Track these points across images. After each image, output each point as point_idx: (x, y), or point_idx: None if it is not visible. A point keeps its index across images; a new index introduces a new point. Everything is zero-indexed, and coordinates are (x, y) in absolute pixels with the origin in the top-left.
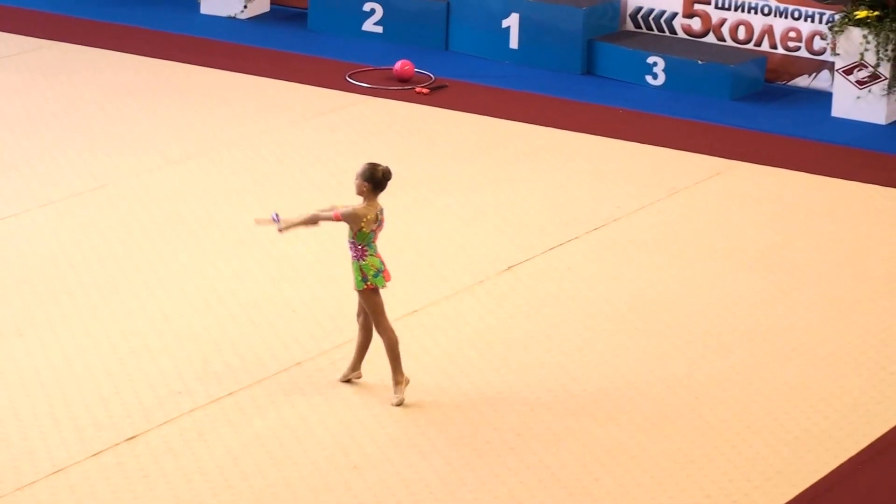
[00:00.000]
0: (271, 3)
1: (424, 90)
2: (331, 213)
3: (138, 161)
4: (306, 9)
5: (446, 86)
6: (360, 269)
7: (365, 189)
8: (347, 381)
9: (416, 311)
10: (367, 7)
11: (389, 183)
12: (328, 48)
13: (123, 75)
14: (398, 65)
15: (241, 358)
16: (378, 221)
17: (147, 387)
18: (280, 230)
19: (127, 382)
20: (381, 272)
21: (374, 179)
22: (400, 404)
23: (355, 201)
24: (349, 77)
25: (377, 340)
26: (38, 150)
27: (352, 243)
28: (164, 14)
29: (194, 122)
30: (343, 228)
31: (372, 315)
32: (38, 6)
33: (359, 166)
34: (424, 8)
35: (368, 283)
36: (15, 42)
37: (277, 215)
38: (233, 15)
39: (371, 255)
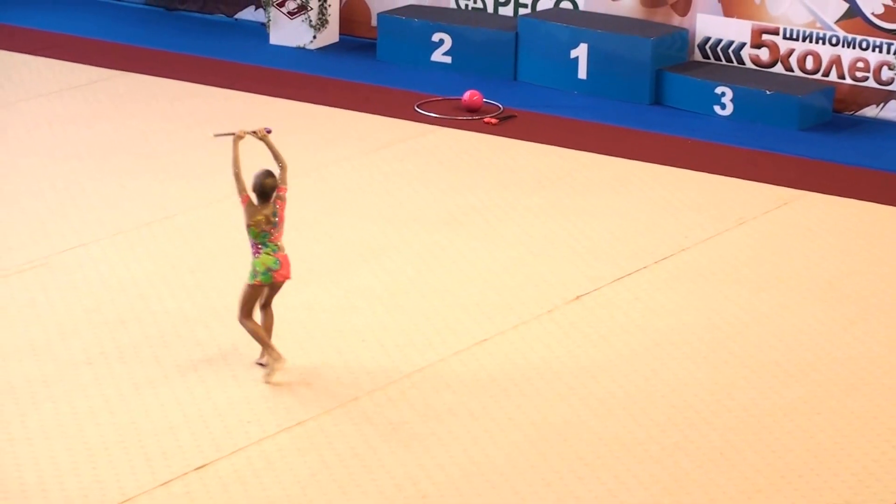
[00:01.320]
0: (340, 34)
1: (493, 120)
2: (241, 194)
3: (207, 191)
4: (375, 39)
5: (515, 116)
6: (252, 265)
7: (253, 196)
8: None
9: (484, 340)
10: (435, 37)
11: (274, 193)
12: (397, 78)
13: (193, 105)
14: (467, 95)
15: (310, 387)
16: (271, 223)
17: (216, 416)
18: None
19: (195, 412)
20: (272, 271)
21: (257, 191)
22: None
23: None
24: (418, 107)
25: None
26: (108, 179)
27: (250, 239)
28: (233, 44)
29: (262, 153)
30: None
31: (239, 304)
32: (110, 37)
33: (426, 196)
34: (493, 38)
35: (257, 279)
36: (86, 72)
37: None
38: (302, 45)
39: (266, 253)
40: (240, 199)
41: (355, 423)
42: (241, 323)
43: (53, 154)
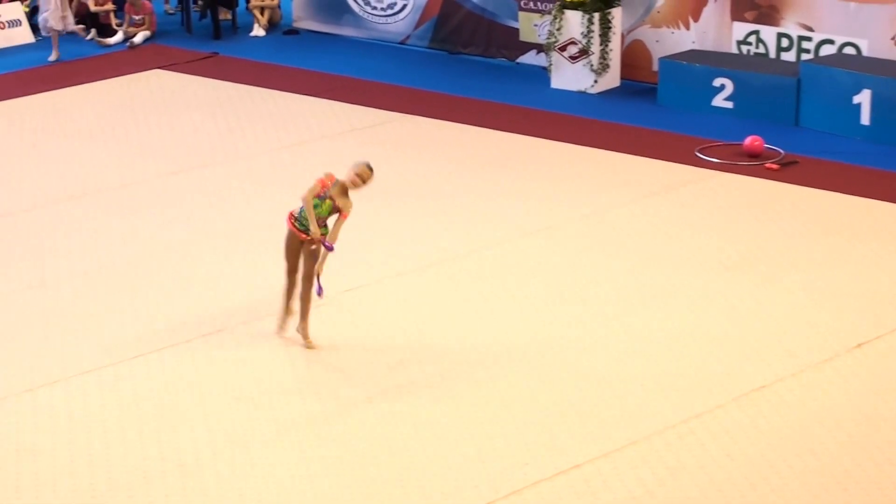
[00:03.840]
0: (621, 78)
1: (774, 166)
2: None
3: (490, 234)
4: (656, 84)
5: (796, 162)
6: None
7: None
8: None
9: (763, 386)
10: (717, 82)
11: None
12: (677, 123)
13: (474, 148)
14: (748, 140)
15: (588, 430)
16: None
17: (495, 457)
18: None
19: (475, 452)
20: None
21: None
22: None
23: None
24: (699, 152)
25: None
26: (390, 220)
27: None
28: (515, 88)
29: (544, 196)
30: None
31: (316, 266)
32: (394, 80)
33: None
34: (775, 83)
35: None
36: (370, 115)
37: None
38: (583, 89)
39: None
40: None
41: (633, 468)
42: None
43: None
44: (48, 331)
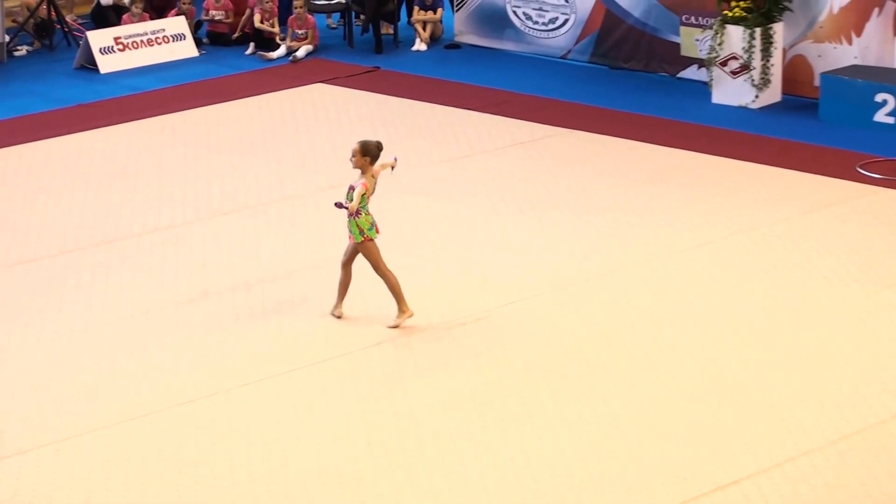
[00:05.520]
0: (783, 93)
1: None
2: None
3: (649, 249)
4: (818, 99)
5: None
6: (357, 225)
7: (366, 162)
8: (338, 316)
9: None
10: (879, 98)
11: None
12: (839, 138)
13: (634, 163)
14: None
15: (746, 446)
16: (373, 188)
17: (653, 472)
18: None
19: (633, 467)
20: (374, 226)
21: (373, 154)
22: (395, 327)
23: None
24: (860, 168)
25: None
26: (547, 234)
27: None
28: (675, 103)
29: (703, 211)
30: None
31: (372, 262)
32: (555, 94)
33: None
34: None
35: (365, 235)
36: (531, 129)
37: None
38: (744, 104)
39: (365, 214)
40: (364, 191)
41: (792, 484)
42: (384, 274)
43: (495, 208)
44: (208, 343)
